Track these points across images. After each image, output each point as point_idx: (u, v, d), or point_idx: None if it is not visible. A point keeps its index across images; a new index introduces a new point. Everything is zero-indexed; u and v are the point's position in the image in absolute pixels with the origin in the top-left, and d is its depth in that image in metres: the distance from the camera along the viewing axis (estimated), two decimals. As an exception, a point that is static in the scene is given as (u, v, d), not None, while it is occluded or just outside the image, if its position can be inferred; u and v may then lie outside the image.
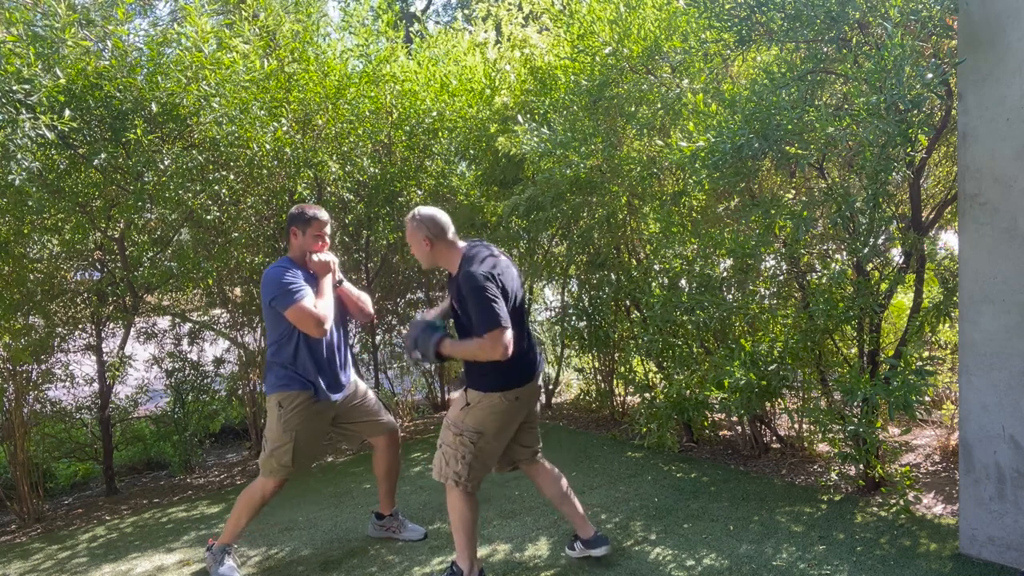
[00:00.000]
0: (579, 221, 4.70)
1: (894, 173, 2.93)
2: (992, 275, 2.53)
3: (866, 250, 3.02)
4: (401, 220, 5.21)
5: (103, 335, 4.48)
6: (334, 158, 4.52)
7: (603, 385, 5.51)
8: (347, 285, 3.07)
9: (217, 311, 5.11)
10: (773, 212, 3.21)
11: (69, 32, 3.52)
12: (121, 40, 3.72)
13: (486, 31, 5.73)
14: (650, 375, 4.90)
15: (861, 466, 3.41)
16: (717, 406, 3.71)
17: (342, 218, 5.06)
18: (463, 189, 5.58)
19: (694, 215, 4.14)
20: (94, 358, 4.45)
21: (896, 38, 2.46)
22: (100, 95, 3.63)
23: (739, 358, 3.33)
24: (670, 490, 3.66)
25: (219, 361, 5.02)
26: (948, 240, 3.72)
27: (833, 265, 3.63)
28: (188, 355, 4.93)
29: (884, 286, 3.27)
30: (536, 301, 6.13)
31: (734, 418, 4.36)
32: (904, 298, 4.19)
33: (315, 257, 2.90)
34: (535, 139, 4.01)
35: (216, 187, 4.04)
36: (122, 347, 4.47)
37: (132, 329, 4.62)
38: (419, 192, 5.25)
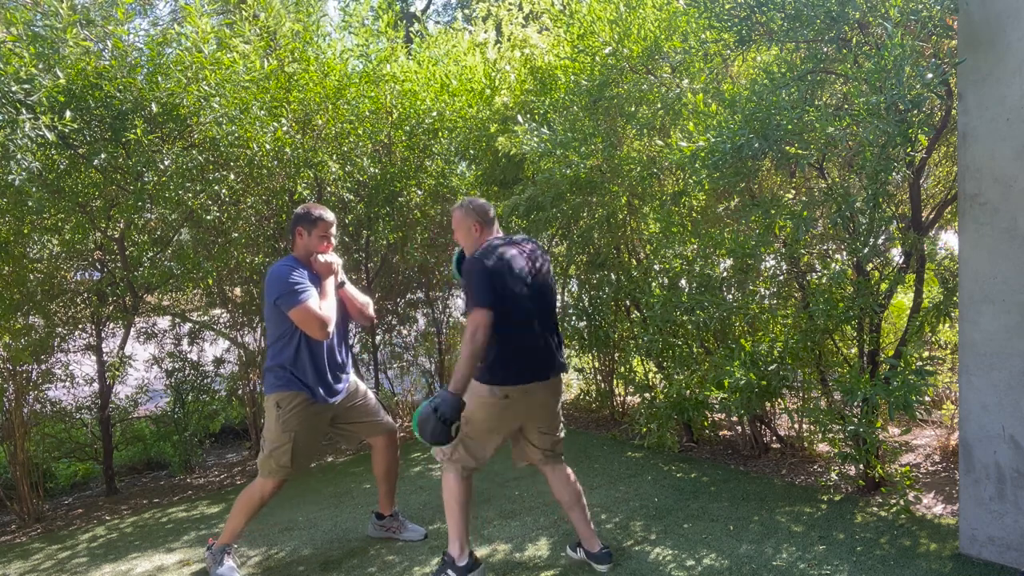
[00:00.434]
0: (579, 221, 4.70)
1: (894, 173, 2.93)
2: (992, 275, 2.52)
3: (866, 250, 3.02)
4: (401, 220, 5.22)
5: (103, 335, 4.48)
6: (334, 158, 4.52)
7: (603, 385, 5.51)
8: (349, 287, 3.07)
9: (217, 311, 5.11)
10: (773, 212, 3.21)
11: (70, 32, 3.52)
12: (121, 40, 3.72)
13: (486, 31, 5.73)
14: (650, 375, 4.90)
15: (861, 466, 3.41)
16: (717, 406, 3.71)
17: (342, 218, 5.05)
18: (463, 189, 5.57)
19: (694, 215, 4.14)
20: (94, 358, 4.45)
21: (896, 38, 2.46)
22: (100, 95, 3.63)
23: (739, 358, 3.33)
24: (670, 490, 3.66)
25: (219, 361, 5.02)
26: (948, 240, 3.72)
27: (833, 265, 3.63)
28: (188, 355, 4.92)
29: (884, 286, 3.27)
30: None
31: (734, 418, 4.36)
32: (904, 298, 4.19)
33: (320, 258, 2.90)
34: (535, 139, 4.01)
35: (216, 187, 4.04)
36: (122, 347, 4.47)
37: (132, 329, 4.61)
38: (419, 192, 5.25)
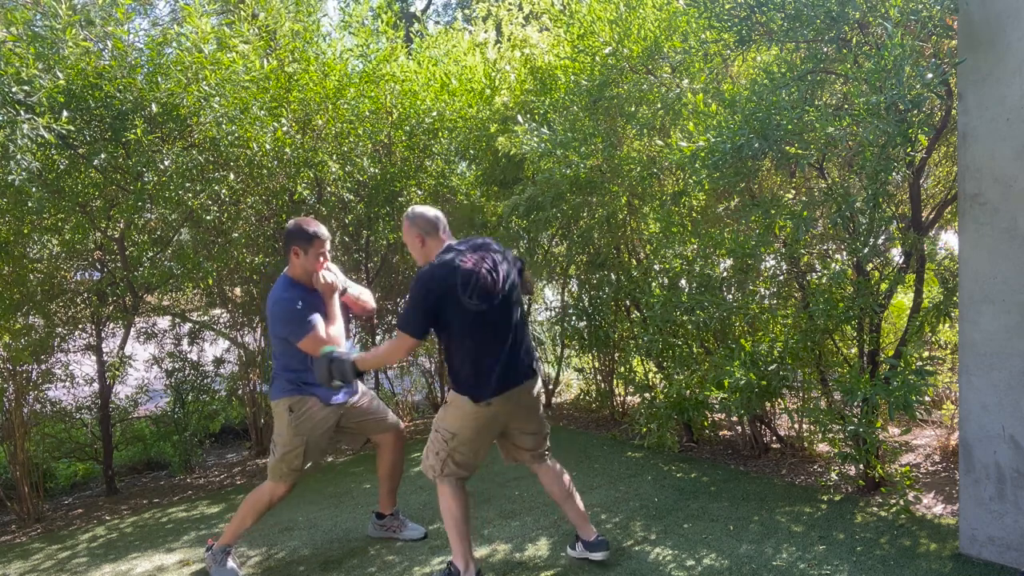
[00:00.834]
0: (579, 221, 4.70)
1: (894, 173, 2.93)
2: (992, 275, 2.52)
3: (866, 250, 3.02)
4: (401, 220, 5.21)
5: (103, 335, 4.48)
6: (334, 158, 4.52)
7: (603, 385, 5.51)
8: (350, 290, 3.05)
9: (217, 311, 5.11)
10: (773, 212, 3.21)
11: (70, 33, 3.52)
12: (121, 40, 3.72)
13: (486, 31, 5.73)
14: (650, 375, 4.90)
15: (861, 466, 3.40)
16: (717, 406, 3.71)
17: (342, 218, 5.06)
18: (463, 189, 5.57)
19: (694, 215, 4.14)
20: (94, 358, 4.45)
21: (896, 38, 2.46)
22: (100, 95, 3.63)
23: (739, 358, 3.33)
24: (670, 490, 3.66)
25: (219, 361, 5.02)
26: (948, 240, 3.72)
27: (833, 265, 3.62)
28: (188, 355, 4.93)
29: (884, 286, 3.27)
30: (536, 301, 6.13)
31: (734, 418, 4.36)
32: (904, 298, 4.19)
33: (322, 278, 2.85)
34: (535, 139, 4.01)
35: (216, 187, 4.04)
36: (122, 347, 4.47)
37: (132, 329, 4.62)
38: (419, 192, 5.25)
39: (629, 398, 5.42)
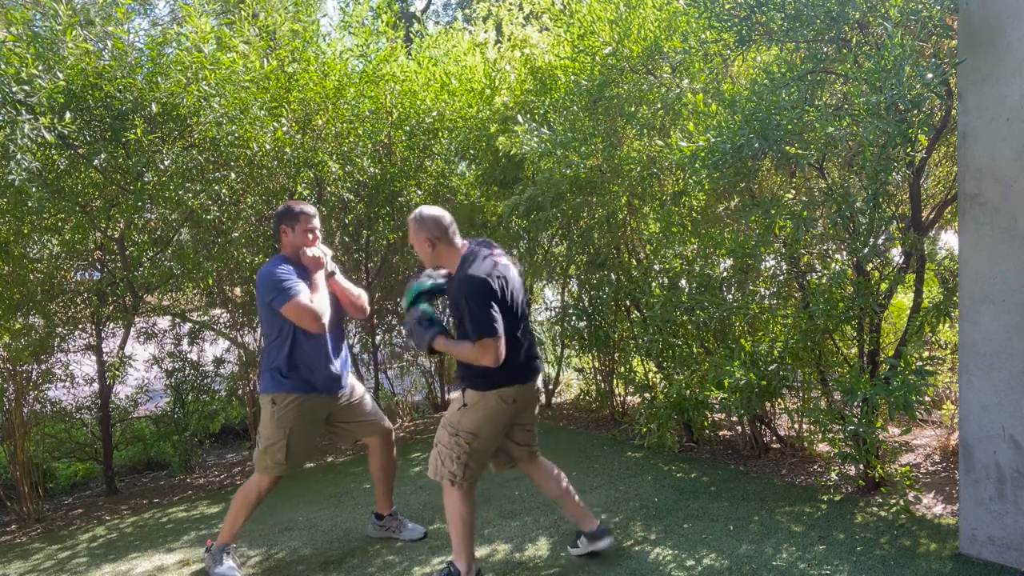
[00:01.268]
0: (579, 221, 4.70)
1: (894, 173, 2.93)
2: (992, 275, 2.52)
3: (866, 250, 3.02)
4: (401, 220, 5.22)
5: (103, 335, 4.48)
6: (334, 158, 4.52)
7: (603, 385, 5.50)
8: (339, 277, 3.06)
9: (217, 311, 5.11)
10: (773, 212, 3.21)
11: (70, 33, 3.52)
12: (121, 40, 3.72)
13: (486, 31, 5.73)
14: (650, 375, 4.90)
15: (861, 466, 3.41)
16: (717, 406, 3.71)
17: (342, 218, 5.06)
18: (463, 189, 5.57)
19: (694, 215, 4.14)
20: (94, 358, 4.45)
21: (896, 38, 2.46)
22: (100, 95, 3.63)
23: (739, 358, 3.33)
24: (670, 490, 3.66)
25: (219, 361, 5.02)
26: (948, 240, 3.71)
27: (833, 265, 3.62)
28: (188, 355, 4.92)
29: (884, 286, 3.27)
30: (536, 301, 6.13)
31: (734, 418, 4.36)
32: (904, 298, 4.19)
33: (307, 252, 2.91)
34: (535, 139, 4.01)
35: (216, 187, 4.04)
36: (122, 347, 4.47)
37: (132, 329, 4.61)
38: (419, 192, 5.25)
39: (629, 398, 5.42)
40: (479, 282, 2.43)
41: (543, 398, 5.93)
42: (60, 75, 3.46)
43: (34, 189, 3.49)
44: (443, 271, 2.73)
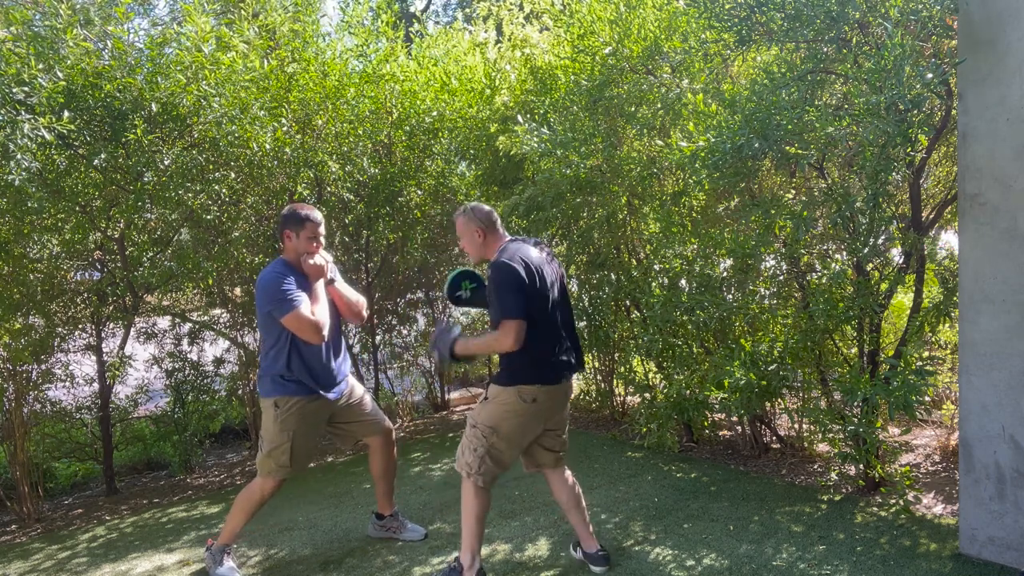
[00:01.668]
0: (579, 221, 4.70)
1: (894, 173, 2.93)
2: (992, 275, 2.52)
3: (866, 250, 3.01)
4: (401, 220, 5.22)
5: (103, 335, 4.48)
6: (334, 158, 4.52)
7: (603, 385, 5.51)
8: (339, 284, 3.05)
9: (217, 311, 5.11)
10: (773, 212, 3.21)
11: (70, 33, 3.51)
12: (121, 40, 3.72)
13: (486, 31, 5.73)
14: (650, 375, 4.90)
15: (861, 466, 3.41)
16: (717, 406, 3.71)
17: (342, 218, 5.06)
18: (463, 189, 5.57)
19: (694, 215, 4.14)
20: (94, 358, 4.45)
21: (896, 38, 2.46)
22: (100, 95, 3.63)
23: (739, 358, 3.33)
24: (670, 490, 3.66)
25: (219, 361, 5.02)
26: (948, 240, 3.71)
27: (833, 265, 3.62)
28: (188, 355, 4.92)
29: (884, 286, 3.27)
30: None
31: (734, 418, 4.36)
32: (904, 298, 4.19)
33: (310, 260, 2.88)
34: (535, 139, 4.01)
35: (216, 187, 4.04)
36: (122, 347, 4.47)
37: (132, 329, 4.62)
38: (419, 192, 5.25)
39: (629, 398, 5.42)
40: (503, 266, 2.48)
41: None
42: (60, 75, 3.46)
43: (34, 189, 3.49)
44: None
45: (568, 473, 2.83)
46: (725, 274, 3.93)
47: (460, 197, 5.51)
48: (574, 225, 4.81)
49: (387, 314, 5.97)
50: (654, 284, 4.20)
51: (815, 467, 3.86)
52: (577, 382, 6.18)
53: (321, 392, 2.92)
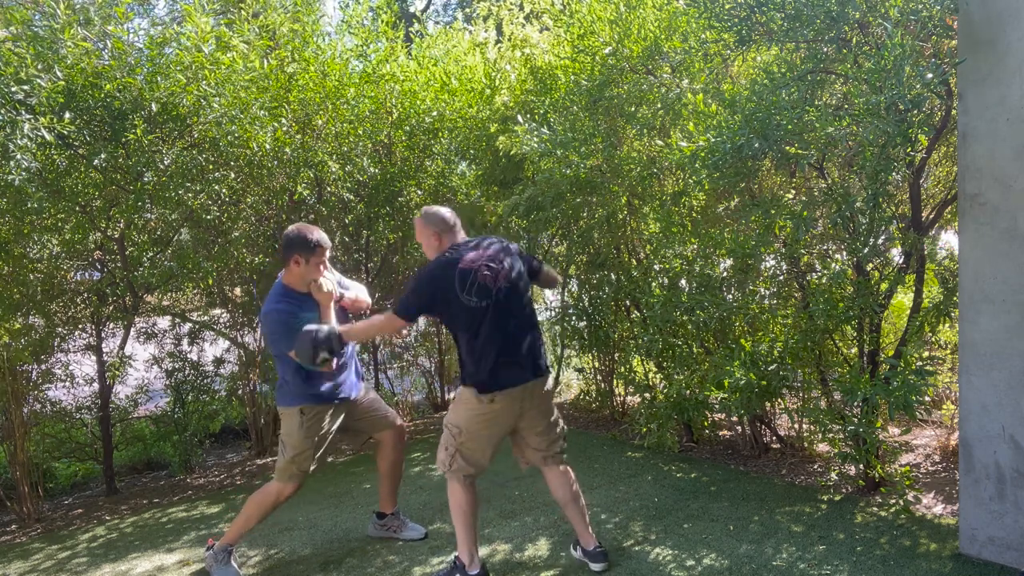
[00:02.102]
0: (579, 221, 4.70)
1: (894, 173, 2.93)
2: (992, 275, 2.52)
3: (866, 250, 3.01)
4: (401, 220, 5.21)
5: (103, 335, 4.48)
6: (334, 158, 4.52)
7: (603, 385, 5.51)
8: (347, 294, 3.05)
9: (217, 311, 5.12)
10: (773, 212, 3.20)
11: (69, 33, 3.51)
12: (120, 40, 3.72)
13: (486, 31, 5.72)
14: (650, 375, 4.90)
15: (861, 466, 3.40)
16: (717, 406, 3.71)
17: (342, 218, 5.06)
18: (463, 189, 5.57)
19: (694, 215, 4.14)
20: (94, 358, 4.45)
21: (896, 38, 2.46)
22: (99, 95, 3.63)
23: (739, 358, 3.33)
24: (670, 490, 3.66)
25: (219, 361, 5.02)
26: (948, 240, 3.71)
27: (833, 265, 3.62)
28: (188, 355, 4.92)
29: (884, 286, 3.27)
30: (536, 301, 6.13)
31: (734, 418, 4.36)
32: (904, 298, 4.18)
33: (322, 287, 2.86)
34: (535, 139, 4.00)
35: (216, 187, 4.04)
36: (122, 347, 4.47)
37: (132, 329, 4.62)
38: (419, 192, 5.25)
39: (629, 398, 5.42)
40: (420, 271, 2.65)
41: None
42: (59, 75, 3.46)
43: (34, 189, 3.49)
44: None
45: (565, 469, 2.84)
46: (725, 274, 3.93)
47: (460, 197, 5.51)
48: (574, 225, 4.81)
49: (387, 314, 5.97)
50: (654, 284, 4.20)
51: (815, 467, 3.86)
52: (577, 382, 6.18)
53: (343, 399, 2.96)
